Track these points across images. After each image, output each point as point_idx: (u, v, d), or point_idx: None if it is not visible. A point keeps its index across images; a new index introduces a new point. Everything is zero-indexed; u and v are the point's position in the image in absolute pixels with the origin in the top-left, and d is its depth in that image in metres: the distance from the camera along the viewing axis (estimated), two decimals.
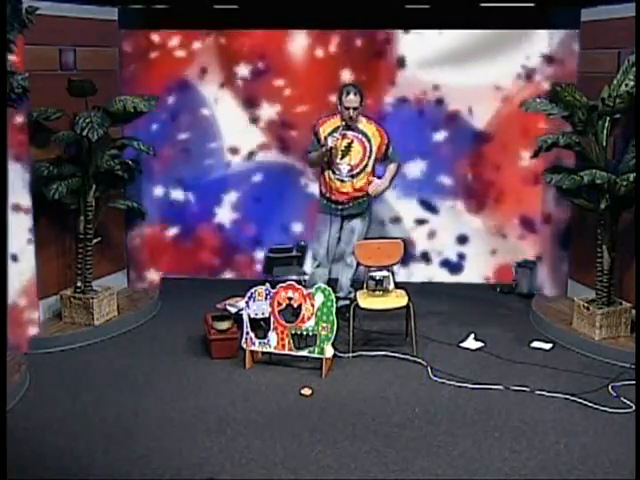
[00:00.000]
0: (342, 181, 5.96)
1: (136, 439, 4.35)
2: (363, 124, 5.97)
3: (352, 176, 5.94)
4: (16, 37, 5.06)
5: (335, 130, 5.87)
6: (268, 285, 5.34)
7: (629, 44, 5.43)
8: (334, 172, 5.97)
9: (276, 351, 5.32)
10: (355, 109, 5.84)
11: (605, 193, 5.51)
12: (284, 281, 5.37)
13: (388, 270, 5.70)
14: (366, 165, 5.95)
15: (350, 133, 5.91)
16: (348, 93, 5.84)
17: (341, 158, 5.93)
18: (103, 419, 4.59)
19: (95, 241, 6.03)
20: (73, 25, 6.04)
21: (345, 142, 5.90)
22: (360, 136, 5.93)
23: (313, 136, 6.07)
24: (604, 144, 5.56)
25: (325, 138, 5.88)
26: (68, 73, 5.92)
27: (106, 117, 5.67)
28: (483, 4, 6.47)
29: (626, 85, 5.34)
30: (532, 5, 6.45)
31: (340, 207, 6.03)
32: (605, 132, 5.54)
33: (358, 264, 6.01)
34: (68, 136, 5.71)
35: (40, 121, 5.69)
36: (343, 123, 5.88)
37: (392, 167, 6.13)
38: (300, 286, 5.32)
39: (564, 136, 5.64)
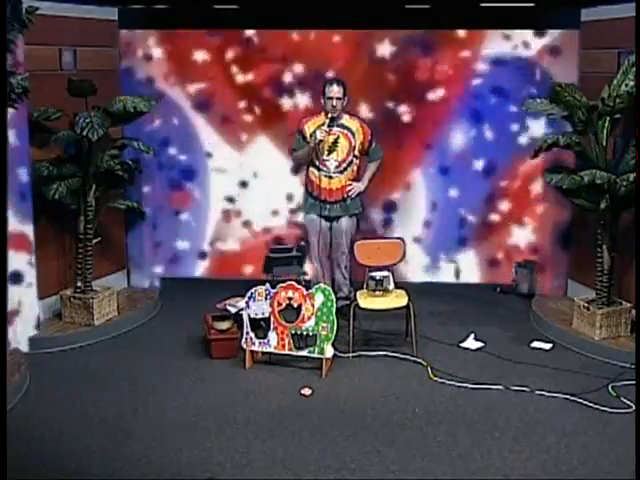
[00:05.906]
0: (330, 177, 5.97)
1: (136, 439, 4.35)
2: (346, 120, 6.00)
3: (340, 172, 5.96)
4: (16, 37, 5.06)
5: (320, 127, 5.89)
6: (268, 285, 5.34)
7: (629, 44, 5.42)
8: (319, 169, 5.99)
9: (276, 351, 5.32)
10: (339, 99, 5.88)
11: (605, 193, 5.50)
12: (284, 281, 5.38)
13: (388, 270, 5.71)
14: (351, 161, 5.99)
15: (335, 129, 5.94)
16: (331, 84, 5.93)
17: (328, 154, 5.95)
18: (103, 419, 4.59)
19: (95, 241, 6.03)
20: (73, 25, 6.04)
21: (332, 138, 5.93)
22: (345, 131, 5.96)
23: (298, 134, 6.09)
24: (604, 144, 5.55)
25: (311, 135, 5.92)
26: (68, 73, 5.92)
27: (106, 117, 5.68)
28: (483, 4, 6.46)
29: (626, 85, 5.34)
30: (532, 5, 6.45)
31: (328, 207, 6.02)
32: (605, 132, 5.54)
33: (351, 262, 6.01)
34: (68, 136, 5.71)
35: (40, 121, 5.69)
36: (327, 120, 5.89)
37: (372, 166, 6.15)
38: (300, 286, 5.33)
39: (564, 136, 5.64)
